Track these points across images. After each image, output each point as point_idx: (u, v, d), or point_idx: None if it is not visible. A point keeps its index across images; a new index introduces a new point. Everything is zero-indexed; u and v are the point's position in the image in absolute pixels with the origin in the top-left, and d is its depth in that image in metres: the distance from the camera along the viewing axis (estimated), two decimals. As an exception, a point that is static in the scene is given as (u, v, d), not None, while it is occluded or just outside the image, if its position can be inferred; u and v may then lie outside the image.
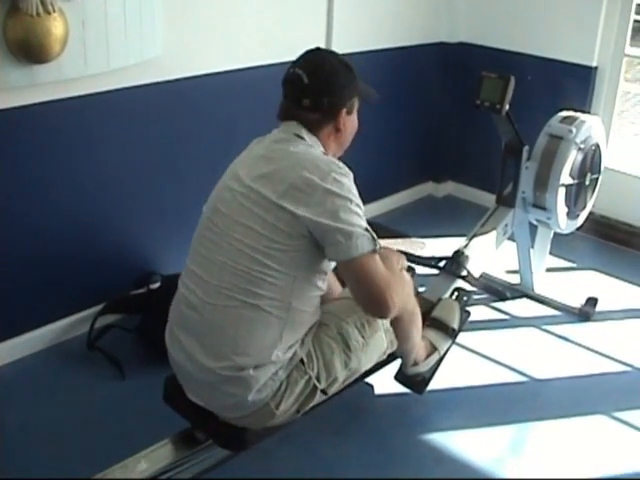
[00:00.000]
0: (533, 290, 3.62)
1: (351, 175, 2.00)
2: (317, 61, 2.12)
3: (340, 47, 3.70)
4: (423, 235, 4.09)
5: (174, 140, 3.28)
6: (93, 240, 3.10)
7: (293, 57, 3.55)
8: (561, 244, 3.81)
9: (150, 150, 3.20)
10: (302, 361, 2.04)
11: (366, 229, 1.94)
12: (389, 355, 2.40)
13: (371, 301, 1.99)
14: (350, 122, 2.17)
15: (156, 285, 3.27)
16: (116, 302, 3.21)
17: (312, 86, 2.05)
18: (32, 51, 2.43)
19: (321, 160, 1.99)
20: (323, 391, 2.10)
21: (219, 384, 2.00)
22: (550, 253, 3.71)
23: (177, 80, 3.18)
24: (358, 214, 1.95)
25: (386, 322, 2.23)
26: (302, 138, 2.06)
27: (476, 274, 3.09)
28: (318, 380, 2.07)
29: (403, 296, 2.13)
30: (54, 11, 2.42)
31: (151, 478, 2.18)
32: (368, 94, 2.23)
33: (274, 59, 3.47)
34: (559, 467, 2.56)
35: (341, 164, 2.01)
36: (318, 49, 2.19)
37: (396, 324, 2.29)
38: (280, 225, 1.92)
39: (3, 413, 2.65)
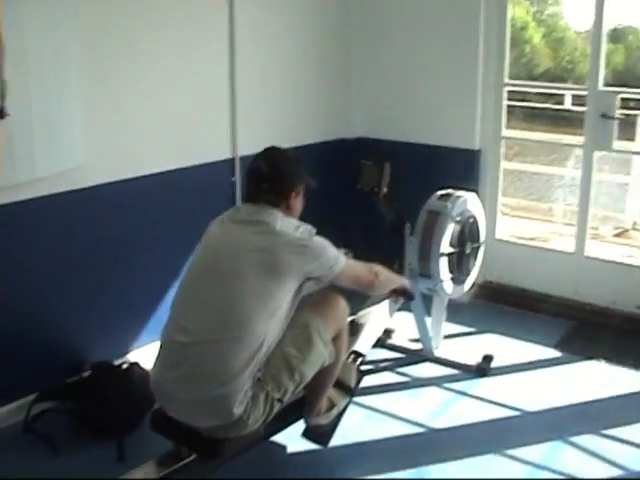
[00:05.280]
0: (433, 354, 3.98)
1: (312, 229, 2.68)
2: (272, 155, 2.80)
3: (245, 148, 4.14)
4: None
5: (98, 240, 3.60)
6: (25, 333, 3.36)
7: (202, 161, 3.95)
8: (461, 311, 4.25)
9: (76, 249, 3.51)
10: (259, 379, 2.54)
11: (337, 250, 2.71)
12: (297, 412, 2.86)
13: (363, 286, 2.88)
14: (298, 203, 2.80)
15: (87, 373, 3.53)
16: (49, 390, 3.42)
17: (269, 174, 2.70)
18: (-36, 164, 2.80)
19: (295, 225, 2.64)
20: (279, 400, 2.60)
21: (207, 403, 2.49)
22: (451, 320, 4.12)
23: (97, 186, 3.53)
24: (329, 248, 2.67)
25: (325, 335, 2.72)
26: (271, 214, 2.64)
27: (372, 339, 3.45)
28: (273, 392, 2.57)
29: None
30: (-16, 128, 2.80)
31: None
32: (310, 182, 2.85)
33: (185, 163, 3.91)
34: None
35: (305, 225, 2.67)
36: (273, 147, 2.84)
37: (335, 341, 2.80)
38: (276, 273, 2.53)
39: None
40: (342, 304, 2.87)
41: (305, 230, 2.64)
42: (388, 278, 3.06)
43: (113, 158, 3.60)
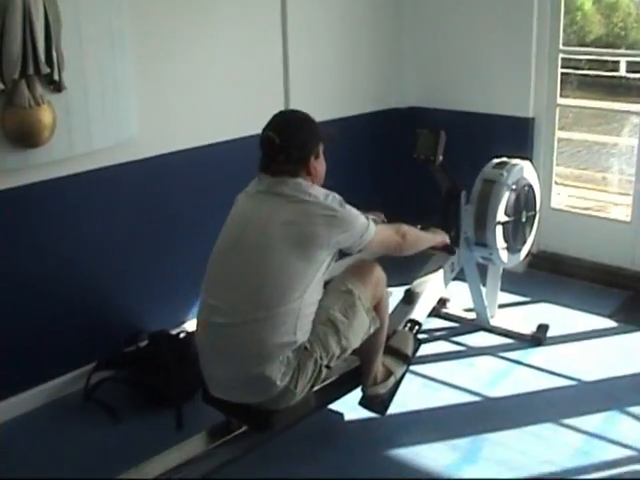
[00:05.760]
0: (488, 323, 3.97)
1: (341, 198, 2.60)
2: (283, 123, 2.65)
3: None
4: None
5: (153, 210, 3.66)
6: (85, 304, 3.45)
7: (254, 131, 3.96)
8: (516, 281, 4.25)
9: (132, 220, 3.57)
10: (305, 347, 2.53)
11: (366, 218, 2.65)
12: (353, 381, 2.92)
13: (391, 249, 2.87)
14: (319, 164, 2.70)
15: (144, 343, 3.61)
16: (108, 360, 3.51)
17: (283, 145, 2.56)
18: (26, 138, 2.87)
19: (323, 194, 2.57)
20: (327, 366, 2.60)
21: (248, 381, 2.49)
22: (506, 290, 4.10)
23: (152, 157, 3.57)
24: (359, 217, 2.61)
25: (366, 303, 2.72)
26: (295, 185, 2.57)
27: (428, 308, 3.45)
28: (321, 358, 2.55)
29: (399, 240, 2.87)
30: (43, 103, 2.86)
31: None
32: (329, 137, 2.75)
33: (238, 134, 3.90)
34: (511, 469, 2.87)
35: (333, 194, 2.59)
36: (282, 112, 2.76)
37: (376, 308, 2.79)
38: (305, 247, 2.48)
39: (7, 464, 2.94)
40: (379, 271, 2.84)
41: (334, 199, 2.57)
42: (417, 238, 3.03)
43: (167, 130, 3.63)
